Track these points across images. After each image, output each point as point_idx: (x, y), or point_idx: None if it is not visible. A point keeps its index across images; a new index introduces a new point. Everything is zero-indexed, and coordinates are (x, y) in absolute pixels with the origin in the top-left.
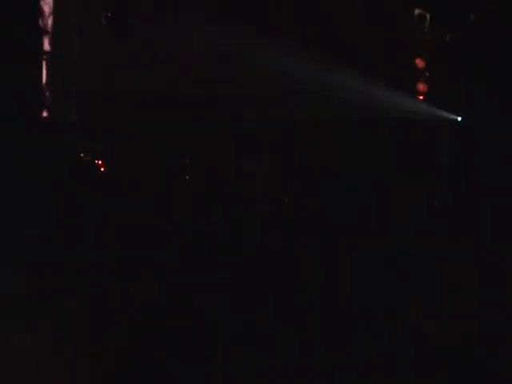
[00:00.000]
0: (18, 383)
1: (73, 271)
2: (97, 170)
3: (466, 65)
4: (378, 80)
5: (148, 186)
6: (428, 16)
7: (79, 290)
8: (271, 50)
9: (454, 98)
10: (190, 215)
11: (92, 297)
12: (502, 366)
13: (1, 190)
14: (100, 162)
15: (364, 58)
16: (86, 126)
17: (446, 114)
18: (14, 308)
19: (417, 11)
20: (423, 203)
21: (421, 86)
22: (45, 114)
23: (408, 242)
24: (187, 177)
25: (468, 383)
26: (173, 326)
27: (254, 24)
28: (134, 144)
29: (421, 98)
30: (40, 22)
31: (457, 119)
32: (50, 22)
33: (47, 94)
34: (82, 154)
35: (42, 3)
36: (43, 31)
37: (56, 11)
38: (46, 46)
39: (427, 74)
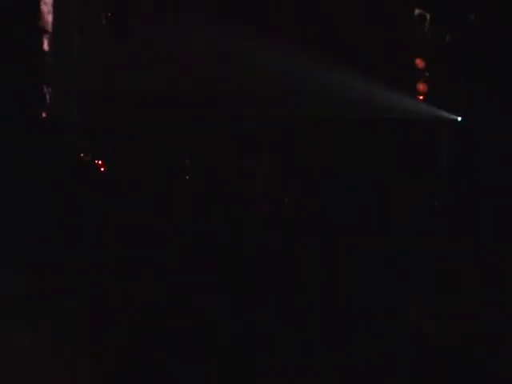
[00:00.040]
0: (18, 383)
1: (73, 271)
2: (97, 170)
3: (465, 65)
4: (377, 80)
5: (148, 186)
6: (428, 16)
7: (79, 289)
8: (271, 49)
9: (453, 97)
10: (190, 215)
11: (92, 297)
12: (502, 366)
13: (1, 190)
14: (100, 162)
15: (364, 57)
16: (86, 126)
17: (446, 114)
18: (14, 308)
19: (417, 11)
20: (423, 203)
21: (421, 86)
22: (45, 114)
23: (408, 241)
24: (187, 177)
25: (468, 383)
26: (173, 325)
27: (254, 24)
28: (133, 144)
29: (421, 97)
30: (40, 21)
31: (457, 119)
32: (49, 21)
33: (47, 94)
34: (82, 154)
35: (41, 3)
36: (43, 31)
37: (56, 11)
38: (46, 45)
39: (427, 74)
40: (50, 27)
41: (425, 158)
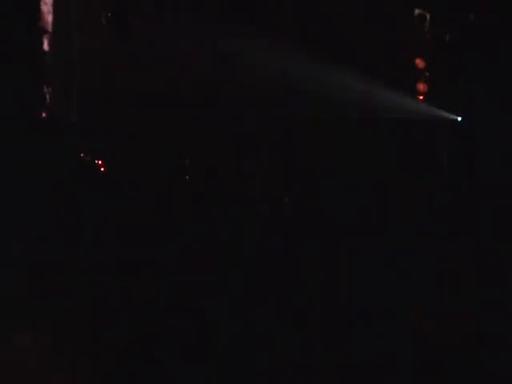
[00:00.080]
0: (18, 383)
1: (73, 271)
2: (97, 170)
3: (466, 65)
4: (378, 80)
5: (148, 186)
6: (428, 16)
7: (79, 289)
8: (271, 49)
9: (454, 97)
10: (190, 215)
11: (92, 297)
12: (502, 366)
13: (1, 190)
14: (100, 162)
15: (364, 57)
16: (86, 126)
17: (446, 114)
18: (14, 308)
19: (417, 11)
20: (423, 203)
21: (421, 86)
22: (45, 114)
23: (408, 241)
24: (187, 177)
25: (468, 383)
26: (173, 325)
27: (254, 24)
28: (134, 144)
29: (421, 97)
30: (40, 21)
31: (457, 119)
32: (49, 21)
33: (47, 94)
34: (82, 154)
35: (41, 3)
36: (43, 31)
37: (56, 11)
38: (46, 45)
39: (427, 74)
40: (49, 27)
41: (425, 157)
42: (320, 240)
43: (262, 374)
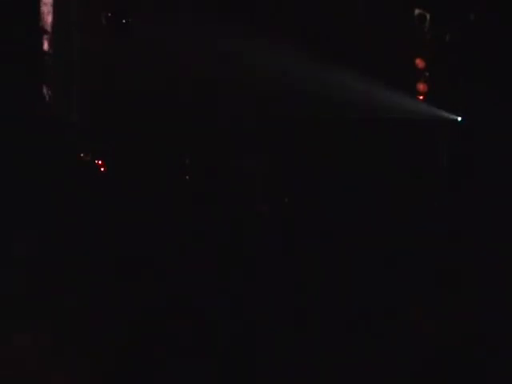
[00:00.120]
0: (18, 383)
1: (73, 271)
2: (97, 170)
3: (466, 65)
4: (378, 80)
5: (148, 186)
6: (428, 16)
7: (79, 289)
8: (271, 49)
9: (454, 97)
10: (190, 215)
11: (92, 297)
12: (502, 366)
13: (1, 190)
14: (100, 162)
15: (364, 57)
16: (86, 126)
17: (446, 114)
18: (14, 308)
19: (417, 11)
20: (423, 203)
21: (421, 86)
22: (45, 114)
23: (408, 241)
24: (187, 177)
25: (468, 383)
26: (173, 325)
27: (254, 24)
28: (134, 144)
29: (421, 97)
30: (40, 21)
31: (457, 119)
32: (49, 21)
33: (47, 94)
34: (82, 154)
35: (41, 3)
36: (43, 31)
37: (56, 11)
38: (46, 45)
39: (427, 74)
40: (49, 27)
41: (425, 157)
42: (320, 240)
43: (262, 374)
